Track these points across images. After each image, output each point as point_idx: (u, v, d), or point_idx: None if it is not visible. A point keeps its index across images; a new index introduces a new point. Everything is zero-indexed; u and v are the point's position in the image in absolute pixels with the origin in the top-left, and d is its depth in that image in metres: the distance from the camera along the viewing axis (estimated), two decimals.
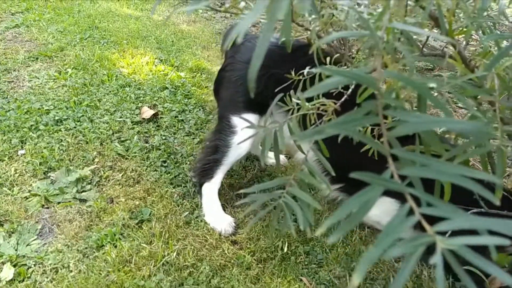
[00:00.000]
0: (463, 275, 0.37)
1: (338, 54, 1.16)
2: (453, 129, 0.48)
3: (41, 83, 2.10)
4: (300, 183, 0.91)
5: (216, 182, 1.51)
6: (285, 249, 1.39)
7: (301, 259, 1.37)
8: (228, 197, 1.60)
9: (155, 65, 2.53)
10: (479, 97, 0.85)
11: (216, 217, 1.48)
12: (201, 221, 1.46)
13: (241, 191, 0.80)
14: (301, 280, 1.30)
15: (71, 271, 1.23)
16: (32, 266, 1.23)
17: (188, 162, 1.74)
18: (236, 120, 1.45)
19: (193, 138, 1.92)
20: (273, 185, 0.73)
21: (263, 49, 0.56)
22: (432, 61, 0.78)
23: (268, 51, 0.49)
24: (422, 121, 0.49)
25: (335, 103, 0.84)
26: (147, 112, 2.01)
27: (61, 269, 1.23)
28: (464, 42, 1.15)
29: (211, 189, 1.51)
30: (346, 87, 0.89)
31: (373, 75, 0.60)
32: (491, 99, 0.79)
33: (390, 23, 0.69)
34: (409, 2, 0.89)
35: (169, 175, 1.66)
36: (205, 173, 1.50)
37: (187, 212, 1.50)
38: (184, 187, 1.62)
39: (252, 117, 1.42)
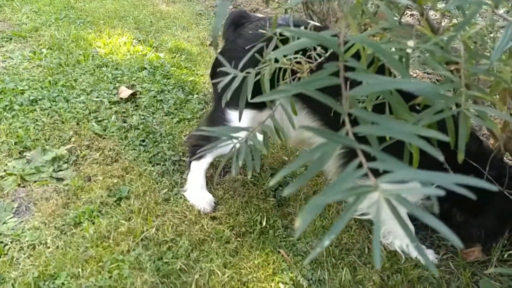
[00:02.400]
0: (403, 225, 0.39)
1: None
2: (408, 88, 0.50)
3: (15, 64, 2.04)
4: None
5: (205, 162, 1.50)
6: (264, 223, 1.42)
7: (279, 232, 1.40)
8: (208, 174, 1.61)
9: (133, 46, 2.49)
10: (447, 64, 0.87)
11: (198, 194, 1.48)
12: (180, 198, 1.47)
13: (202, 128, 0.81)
14: (279, 252, 1.33)
15: (49, 247, 1.23)
16: (9, 243, 1.22)
17: (167, 141, 1.74)
18: (231, 114, 1.41)
19: (172, 118, 1.91)
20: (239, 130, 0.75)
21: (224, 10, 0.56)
22: (403, 27, 0.80)
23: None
24: (378, 82, 0.50)
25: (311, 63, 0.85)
26: (125, 92, 1.98)
27: (38, 245, 1.23)
28: (439, 16, 1.17)
29: (199, 167, 1.50)
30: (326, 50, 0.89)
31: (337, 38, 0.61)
32: (458, 66, 0.81)
33: None
34: None
35: (147, 154, 1.65)
36: (196, 153, 1.47)
37: (166, 190, 1.50)
38: (163, 165, 1.61)
39: (248, 112, 1.38)
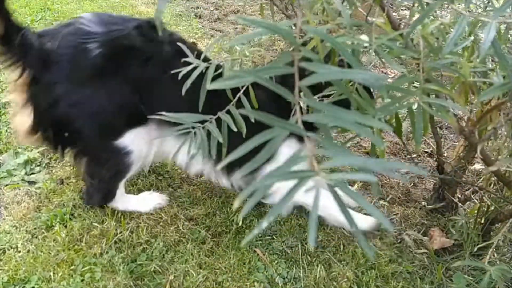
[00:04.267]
0: (344, 211, 0.40)
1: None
2: (356, 78, 0.51)
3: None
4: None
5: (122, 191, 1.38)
6: (240, 223, 1.41)
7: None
8: (184, 175, 1.60)
9: None
10: (405, 58, 0.88)
11: (142, 201, 1.42)
12: None
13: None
14: (254, 251, 1.32)
15: (19, 251, 1.21)
16: None
17: None
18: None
19: None
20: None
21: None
22: (361, 24, 0.81)
23: None
24: (330, 72, 0.51)
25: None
26: None
27: (8, 249, 1.21)
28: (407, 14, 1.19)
29: (120, 199, 1.37)
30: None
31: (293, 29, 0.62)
32: (418, 61, 0.83)
33: None
34: None
35: None
36: (107, 197, 1.34)
37: (141, 190, 1.49)
38: None
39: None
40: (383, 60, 0.87)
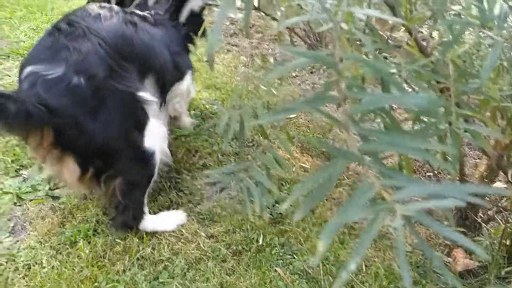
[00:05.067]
0: (422, 242, 0.39)
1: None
2: (406, 103, 0.51)
3: (12, 81, 2.06)
4: (262, 167, 0.94)
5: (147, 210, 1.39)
6: (260, 241, 1.41)
7: (276, 250, 1.39)
8: (206, 193, 1.61)
9: None
10: (435, 83, 0.89)
11: (167, 219, 1.43)
12: None
13: (206, 172, 0.82)
14: (275, 270, 1.32)
15: (44, 267, 1.22)
16: (4, 263, 1.22)
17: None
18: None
19: (169, 134, 1.91)
20: (237, 169, 0.75)
21: (220, 24, 0.57)
22: (389, 47, 0.82)
23: None
24: (377, 98, 0.51)
25: None
26: None
27: (33, 265, 1.22)
28: (427, 32, 1.19)
29: (147, 219, 1.38)
30: None
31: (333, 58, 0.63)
32: (447, 85, 0.83)
33: (348, 7, 0.71)
34: None
35: None
36: (138, 215, 1.34)
37: (162, 208, 1.50)
38: (159, 182, 1.61)
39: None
40: (412, 84, 0.87)
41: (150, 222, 1.38)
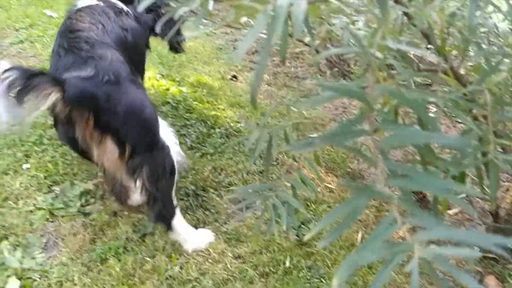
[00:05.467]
0: (438, 282, 0.39)
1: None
2: (439, 143, 0.51)
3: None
4: (289, 188, 0.94)
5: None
6: (288, 263, 1.41)
7: (303, 273, 1.38)
8: (229, 210, 1.62)
9: (157, 80, 2.57)
10: (473, 111, 0.88)
11: (200, 237, 1.45)
12: None
13: (233, 188, 0.83)
14: None
15: (76, 284, 1.24)
16: (37, 279, 1.25)
17: (190, 176, 1.77)
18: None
19: (195, 152, 1.94)
20: (263, 187, 0.76)
21: (262, 70, 0.59)
22: (425, 75, 0.82)
23: None
24: (412, 134, 0.52)
25: None
26: None
27: (65, 282, 1.25)
28: (460, 58, 1.19)
29: (180, 217, 1.43)
30: None
31: (366, 91, 0.63)
32: (485, 113, 0.82)
33: (383, 40, 0.73)
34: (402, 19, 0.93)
35: None
36: (170, 209, 1.39)
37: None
38: (186, 200, 1.64)
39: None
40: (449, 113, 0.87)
41: (183, 224, 1.43)
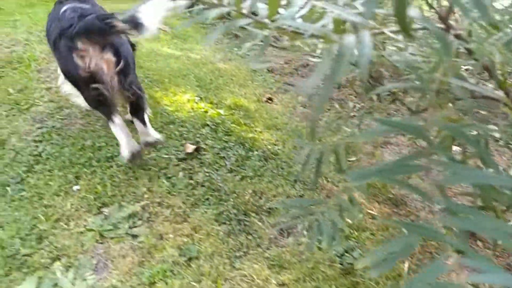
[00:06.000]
0: None
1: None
2: (498, 184, 0.50)
3: (92, 121, 2.23)
4: (335, 207, 0.94)
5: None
6: None
7: None
8: (272, 235, 1.62)
9: (196, 103, 2.63)
10: None
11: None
12: (248, 260, 1.49)
13: (274, 211, 0.83)
14: None
15: None
16: None
17: (232, 199, 1.79)
18: None
19: (235, 175, 1.97)
20: (310, 203, 0.77)
21: (322, 104, 0.59)
22: (485, 108, 0.81)
23: None
24: (475, 175, 0.51)
25: None
26: (190, 148, 2.09)
27: None
28: None
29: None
30: None
31: (425, 127, 0.63)
32: None
33: (444, 76, 0.73)
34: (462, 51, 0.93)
35: (213, 211, 1.70)
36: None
37: (233, 251, 1.52)
38: (228, 225, 1.65)
39: None
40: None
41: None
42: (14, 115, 2.22)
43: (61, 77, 1.97)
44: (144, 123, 1.92)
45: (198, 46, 3.77)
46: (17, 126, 2.11)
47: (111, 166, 1.87)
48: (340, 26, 0.61)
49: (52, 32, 1.80)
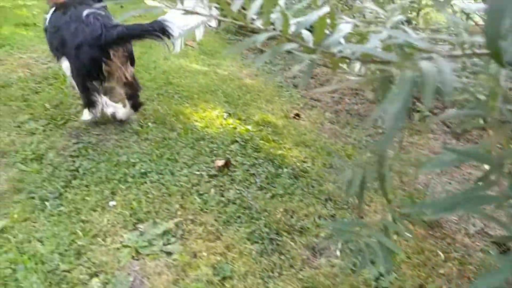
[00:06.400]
0: None
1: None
2: None
3: (126, 137, 2.28)
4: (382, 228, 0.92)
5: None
6: None
7: None
8: (305, 256, 1.61)
9: (224, 119, 2.67)
10: None
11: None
12: (281, 281, 1.48)
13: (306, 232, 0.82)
14: None
15: None
16: None
17: (263, 218, 1.79)
18: None
19: (265, 193, 1.97)
20: (357, 225, 0.76)
21: (391, 137, 0.59)
22: None
23: None
24: None
25: None
26: (220, 162, 2.11)
27: None
28: None
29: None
30: None
31: (492, 155, 0.62)
32: None
33: (506, 104, 0.71)
34: None
35: (246, 229, 1.71)
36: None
37: (266, 271, 1.52)
38: (261, 244, 1.65)
39: None
40: None
41: None
42: (51, 130, 2.30)
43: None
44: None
45: (225, 61, 3.83)
46: (54, 141, 2.18)
47: (145, 182, 1.91)
48: (407, 52, 0.61)
49: (75, 34, 2.05)
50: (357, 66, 1.06)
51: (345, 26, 0.73)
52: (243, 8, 0.74)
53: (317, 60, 0.79)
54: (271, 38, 0.74)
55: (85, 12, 2.04)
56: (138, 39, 2.06)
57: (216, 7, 0.78)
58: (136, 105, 2.39)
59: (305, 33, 0.77)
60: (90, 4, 2.22)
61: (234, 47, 0.74)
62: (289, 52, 0.80)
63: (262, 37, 0.74)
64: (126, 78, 2.23)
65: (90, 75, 2.13)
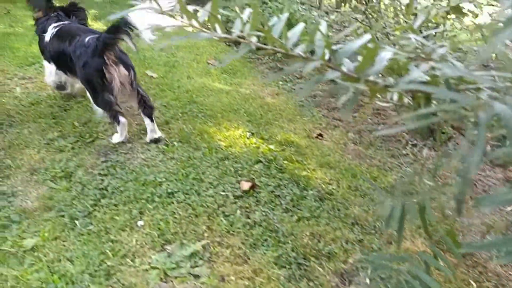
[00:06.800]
0: None
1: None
2: None
3: (152, 155, 2.31)
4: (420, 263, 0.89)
5: None
6: None
7: None
8: (333, 283, 1.58)
9: (248, 138, 2.68)
10: None
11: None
12: None
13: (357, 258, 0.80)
14: None
15: None
16: None
17: (290, 241, 1.77)
18: None
19: (291, 215, 1.96)
20: (393, 260, 0.74)
21: (464, 192, 0.58)
22: None
23: None
24: None
25: None
26: (246, 185, 2.11)
27: None
28: None
29: None
30: None
31: None
32: None
33: None
34: None
35: (273, 253, 1.69)
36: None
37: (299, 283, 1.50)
38: (288, 269, 1.63)
39: None
40: None
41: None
42: (79, 147, 2.35)
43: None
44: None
45: (246, 80, 3.87)
46: (83, 159, 2.22)
47: (172, 202, 1.92)
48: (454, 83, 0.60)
49: (80, 56, 2.31)
50: (395, 95, 1.06)
51: (386, 54, 0.73)
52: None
53: (361, 89, 0.79)
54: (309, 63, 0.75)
55: (86, 39, 2.32)
56: (114, 40, 2.18)
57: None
58: (148, 110, 2.49)
59: (346, 62, 0.77)
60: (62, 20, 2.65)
61: (274, 75, 0.75)
62: (332, 80, 0.81)
63: (310, 66, 0.74)
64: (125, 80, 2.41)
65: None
